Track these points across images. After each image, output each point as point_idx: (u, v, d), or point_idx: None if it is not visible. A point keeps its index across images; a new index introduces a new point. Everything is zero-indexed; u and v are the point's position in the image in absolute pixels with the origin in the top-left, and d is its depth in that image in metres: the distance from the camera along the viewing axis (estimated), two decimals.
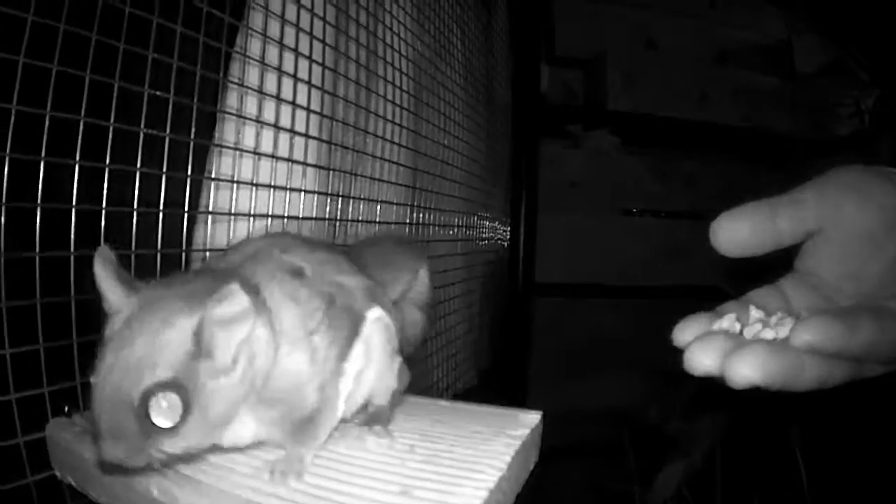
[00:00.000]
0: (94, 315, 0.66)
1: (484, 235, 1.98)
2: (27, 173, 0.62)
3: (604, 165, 2.70)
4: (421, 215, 1.44)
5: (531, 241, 2.17)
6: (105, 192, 0.70)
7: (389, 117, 1.26)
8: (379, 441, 0.56)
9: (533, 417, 0.61)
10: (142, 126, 0.73)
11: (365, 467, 0.51)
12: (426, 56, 1.45)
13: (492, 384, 2.07)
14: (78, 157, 0.67)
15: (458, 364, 1.78)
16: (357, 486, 0.48)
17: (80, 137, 0.66)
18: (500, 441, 0.55)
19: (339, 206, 1.12)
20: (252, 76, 0.90)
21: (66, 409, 0.64)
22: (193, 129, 0.81)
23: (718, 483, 2.44)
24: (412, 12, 1.35)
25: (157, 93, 0.74)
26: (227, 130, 0.91)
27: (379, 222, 1.25)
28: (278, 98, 0.93)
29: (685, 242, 2.69)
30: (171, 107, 0.76)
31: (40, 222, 0.64)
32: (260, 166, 0.91)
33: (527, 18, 2.06)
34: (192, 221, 0.89)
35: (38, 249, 0.64)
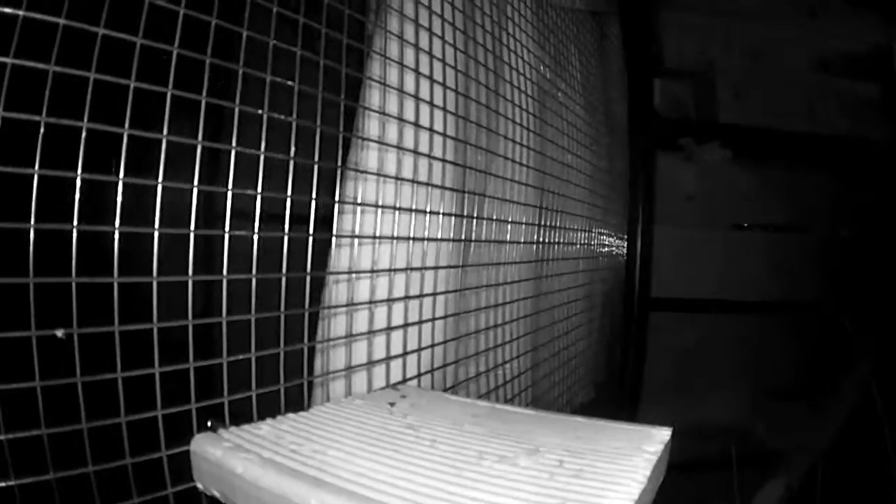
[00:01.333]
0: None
1: (604, 251, 1.98)
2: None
3: (716, 179, 2.64)
4: (546, 234, 1.45)
5: (648, 256, 2.15)
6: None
7: (516, 138, 1.28)
8: (530, 457, 0.58)
9: (665, 434, 0.64)
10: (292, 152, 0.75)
11: (518, 481, 0.54)
12: (547, 76, 1.47)
13: (608, 397, 2.05)
14: (230, 186, 0.68)
15: (578, 378, 1.78)
16: (516, 499, 0.51)
17: (231, 167, 0.68)
18: (639, 456, 0.58)
19: (473, 227, 1.15)
20: (391, 103, 0.91)
21: (210, 423, 0.65)
22: (339, 154, 0.82)
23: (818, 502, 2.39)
24: (533, 34, 1.37)
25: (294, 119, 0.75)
26: (368, 156, 0.93)
27: (510, 241, 1.27)
28: (416, 124, 0.94)
29: (794, 257, 2.61)
30: (318, 134, 0.78)
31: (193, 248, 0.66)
32: (401, 190, 0.92)
33: (638, 33, 2.06)
34: (325, 245, 0.93)
35: (190, 273, 0.66)
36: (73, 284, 0.57)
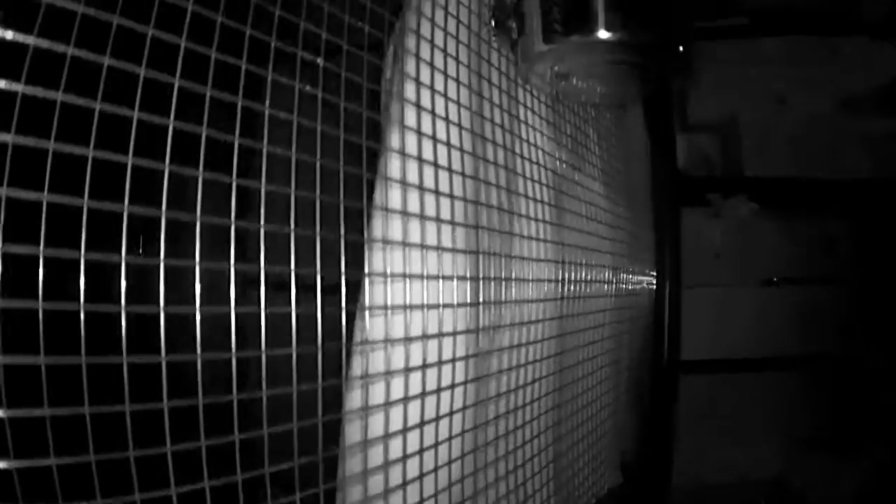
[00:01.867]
0: None
1: (627, 315, 1.93)
2: None
3: (743, 234, 2.59)
4: (569, 293, 1.39)
5: (676, 319, 2.11)
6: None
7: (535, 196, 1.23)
8: None
9: None
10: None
11: None
12: (564, 161, 1.44)
13: (637, 478, 1.99)
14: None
15: (604, 460, 1.71)
16: None
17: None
18: None
19: (492, 288, 1.07)
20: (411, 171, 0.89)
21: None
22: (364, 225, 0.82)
23: None
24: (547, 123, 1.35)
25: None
26: (390, 226, 0.88)
27: (530, 300, 1.20)
28: (437, 192, 0.92)
29: (826, 309, 2.55)
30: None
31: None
32: (426, 257, 0.89)
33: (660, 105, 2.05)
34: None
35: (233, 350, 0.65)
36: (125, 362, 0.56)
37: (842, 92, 2.80)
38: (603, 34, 0.92)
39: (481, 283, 1.01)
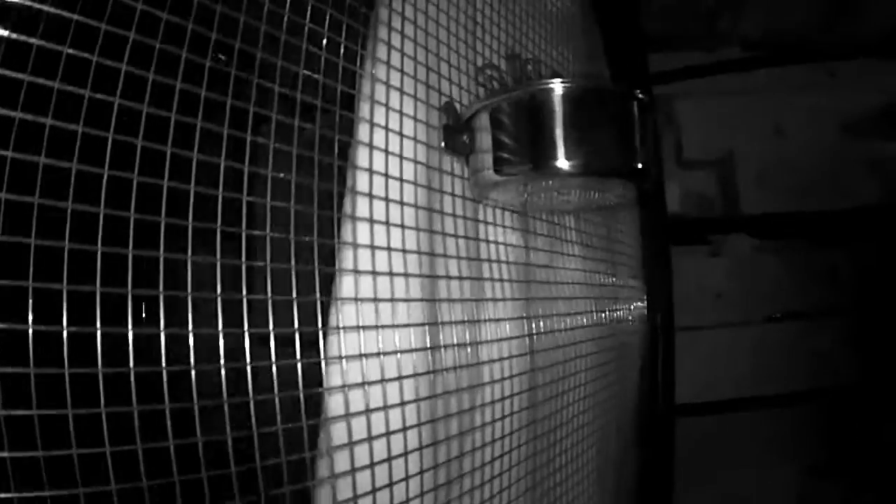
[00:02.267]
0: None
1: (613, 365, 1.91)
2: None
3: (744, 272, 2.54)
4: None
5: (670, 365, 2.06)
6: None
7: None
8: None
9: None
10: None
11: None
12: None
13: None
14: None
15: None
16: None
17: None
18: None
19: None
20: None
21: None
22: None
23: None
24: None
25: None
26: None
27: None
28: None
29: (830, 342, 2.49)
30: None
31: None
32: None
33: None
34: None
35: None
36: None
37: (841, 116, 2.74)
38: (557, 165, 0.87)
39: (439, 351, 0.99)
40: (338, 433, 0.79)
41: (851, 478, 2.59)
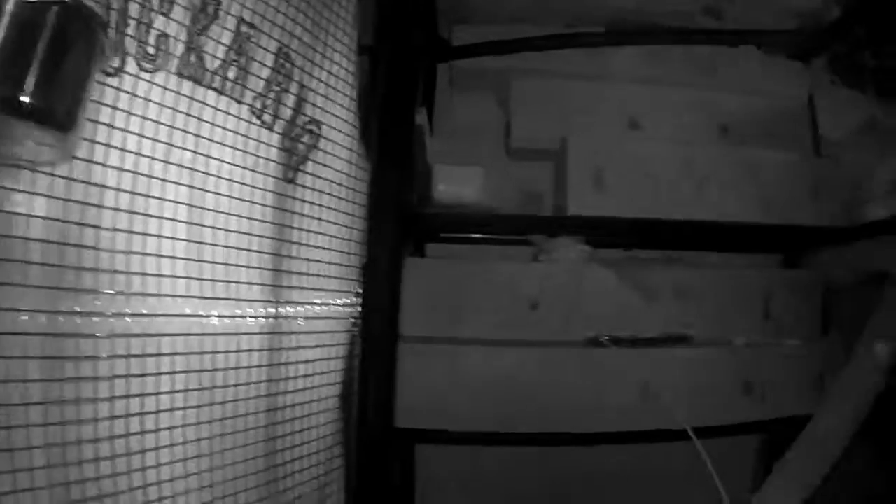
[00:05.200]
0: None
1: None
2: None
3: (569, 282, 2.17)
4: None
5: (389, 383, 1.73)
6: None
7: None
8: None
9: None
10: None
11: None
12: None
13: None
14: None
15: None
16: None
17: None
18: None
19: None
20: None
21: None
22: None
23: None
24: None
25: None
26: None
27: None
28: None
29: (669, 375, 2.11)
30: None
31: None
32: None
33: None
34: None
35: None
36: None
37: (717, 116, 2.36)
38: None
39: None
40: None
41: None
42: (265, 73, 1.62)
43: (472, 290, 2.14)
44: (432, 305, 2.12)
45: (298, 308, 1.71)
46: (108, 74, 1.23)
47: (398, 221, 1.65)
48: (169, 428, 1.36)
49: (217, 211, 1.49)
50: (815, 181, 2.30)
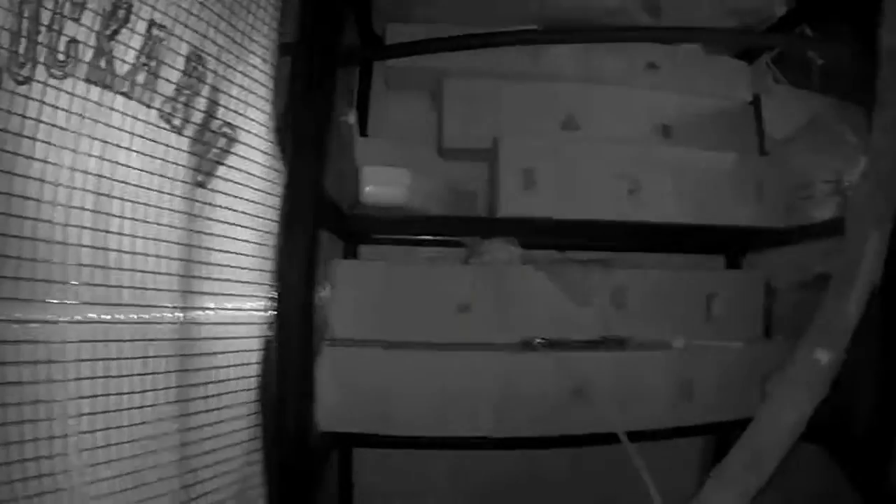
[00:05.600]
0: None
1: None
2: None
3: (500, 284, 2.14)
4: None
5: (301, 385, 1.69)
6: None
7: None
8: None
9: None
10: None
11: None
12: None
13: None
14: None
15: None
16: None
17: None
18: None
19: None
20: None
21: None
22: None
23: None
24: None
25: None
26: None
27: None
28: None
29: (604, 379, 2.08)
30: None
31: None
32: None
33: None
34: None
35: None
36: None
37: (657, 116, 2.32)
38: None
39: None
40: None
41: None
42: (175, 76, 1.59)
43: (403, 293, 2.11)
44: (362, 308, 2.09)
45: (210, 313, 1.69)
46: (19, 83, 1.21)
47: (313, 222, 1.62)
48: (77, 433, 1.34)
49: (123, 217, 1.47)
50: (758, 182, 2.26)
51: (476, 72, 2.24)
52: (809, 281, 2.26)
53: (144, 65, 1.52)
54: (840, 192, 2.23)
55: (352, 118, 2.06)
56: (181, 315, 1.62)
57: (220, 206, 1.71)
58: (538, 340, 2.13)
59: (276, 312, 1.66)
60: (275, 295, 1.66)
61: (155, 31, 1.53)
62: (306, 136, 1.67)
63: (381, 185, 1.99)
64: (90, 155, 1.40)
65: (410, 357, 2.04)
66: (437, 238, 2.25)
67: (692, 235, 2.27)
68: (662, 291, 2.26)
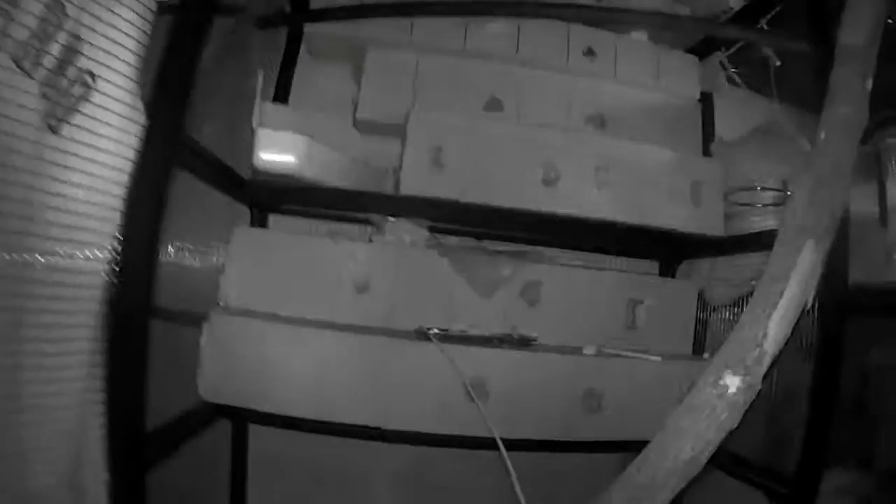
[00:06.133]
0: None
1: None
2: None
3: (400, 267, 2.02)
4: None
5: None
6: None
7: None
8: None
9: None
10: None
11: None
12: None
13: None
14: None
15: None
16: None
17: None
18: None
19: None
20: None
21: None
22: None
23: None
24: None
25: None
26: None
27: None
28: None
29: (503, 380, 1.93)
30: None
31: None
32: None
33: None
34: None
35: None
36: None
37: (594, 104, 2.18)
38: None
39: None
40: None
41: None
42: (31, 20, 1.53)
43: (300, 266, 2.01)
44: (255, 277, 2.00)
45: (49, 258, 1.60)
46: None
47: (164, 168, 1.52)
48: None
49: None
50: (696, 183, 2.09)
51: (400, 44, 2.13)
52: (747, 295, 2.09)
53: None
54: (785, 201, 2.05)
55: (259, 81, 1.97)
56: (17, 258, 1.54)
57: (73, 154, 1.63)
58: (434, 330, 1.99)
59: (116, 262, 1.57)
60: (117, 244, 1.57)
61: None
62: (167, 82, 1.58)
63: (275, 150, 1.89)
64: None
65: (293, 333, 1.92)
66: (350, 214, 2.13)
67: (618, 235, 2.10)
68: (580, 292, 2.10)
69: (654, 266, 2.36)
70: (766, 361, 1.12)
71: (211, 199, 1.91)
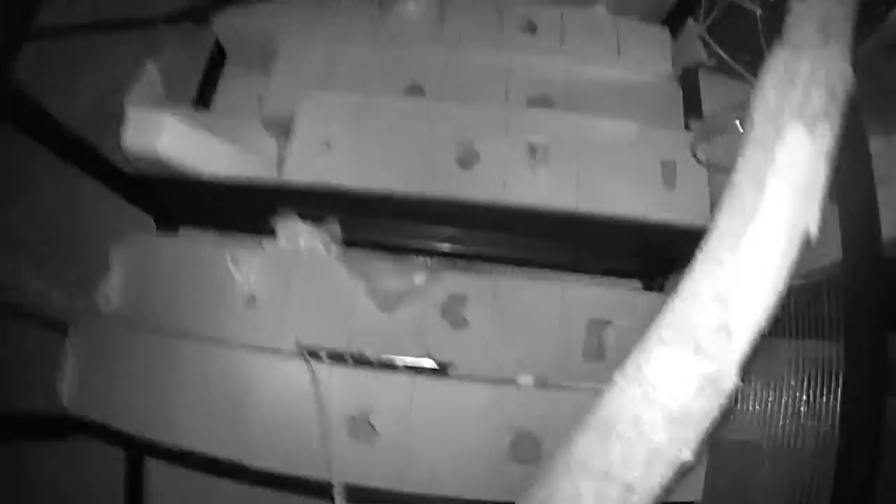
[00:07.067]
0: None
1: None
2: None
3: (289, 277, 1.66)
4: None
5: None
6: None
7: None
8: None
9: None
10: None
11: None
12: None
13: None
14: None
15: None
16: None
17: None
18: None
19: None
20: None
21: None
22: None
23: None
24: None
25: None
26: None
27: None
28: None
29: (402, 414, 1.49)
30: None
31: None
32: None
33: None
34: None
35: None
36: None
37: (533, 84, 1.81)
38: None
39: None
40: None
41: None
42: None
43: (190, 276, 1.70)
44: (138, 285, 1.72)
45: None
46: None
47: None
48: None
49: None
50: (668, 162, 1.63)
51: (311, 34, 1.90)
52: None
53: None
54: None
55: (152, 70, 1.79)
56: None
57: None
58: (321, 351, 1.57)
59: None
60: None
61: None
62: None
63: (141, 131, 1.65)
64: None
65: (157, 347, 1.59)
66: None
67: (571, 233, 1.64)
68: (520, 309, 1.61)
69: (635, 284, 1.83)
70: (742, 334, 0.60)
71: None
